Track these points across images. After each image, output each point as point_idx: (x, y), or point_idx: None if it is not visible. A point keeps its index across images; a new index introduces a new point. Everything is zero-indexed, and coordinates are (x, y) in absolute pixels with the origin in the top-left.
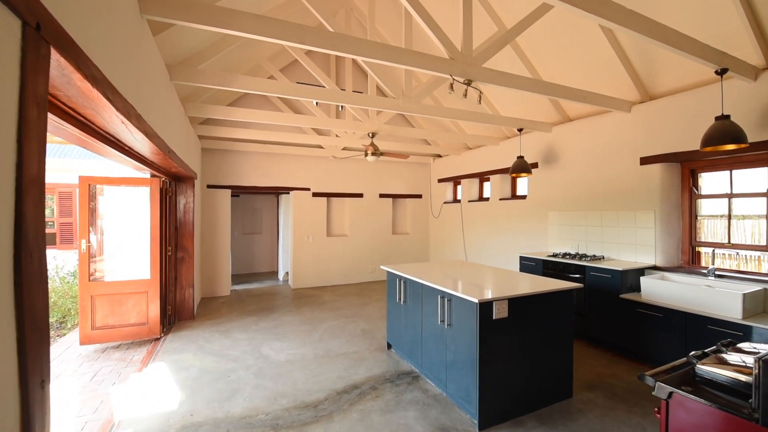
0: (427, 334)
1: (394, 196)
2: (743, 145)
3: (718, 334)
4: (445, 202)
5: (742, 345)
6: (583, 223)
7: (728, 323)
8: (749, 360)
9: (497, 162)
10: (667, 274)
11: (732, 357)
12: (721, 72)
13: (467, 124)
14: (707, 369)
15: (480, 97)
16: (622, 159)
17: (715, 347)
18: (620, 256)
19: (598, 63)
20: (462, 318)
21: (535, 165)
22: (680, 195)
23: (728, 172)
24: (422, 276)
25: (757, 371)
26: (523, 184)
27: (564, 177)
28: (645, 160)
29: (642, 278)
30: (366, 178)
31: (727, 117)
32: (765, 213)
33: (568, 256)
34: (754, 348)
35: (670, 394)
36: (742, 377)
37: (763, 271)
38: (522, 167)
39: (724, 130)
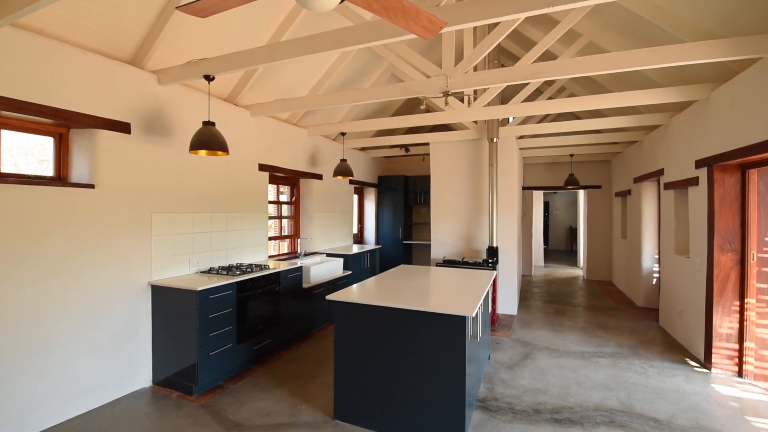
0: None
1: None
2: (350, 177)
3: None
4: None
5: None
6: (208, 229)
7: (341, 276)
8: None
9: None
10: (298, 260)
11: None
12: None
13: None
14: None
15: None
16: (247, 161)
17: None
18: (245, 259)
19: None
20: None
21: (124, 126)
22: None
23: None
24: None
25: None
26: (80, 159)
27: (183, 163)
28: (262, 167)
29: (312, 267)
30: None
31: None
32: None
33: (239, 271)
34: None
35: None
36: None
37: (319, 250)
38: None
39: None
